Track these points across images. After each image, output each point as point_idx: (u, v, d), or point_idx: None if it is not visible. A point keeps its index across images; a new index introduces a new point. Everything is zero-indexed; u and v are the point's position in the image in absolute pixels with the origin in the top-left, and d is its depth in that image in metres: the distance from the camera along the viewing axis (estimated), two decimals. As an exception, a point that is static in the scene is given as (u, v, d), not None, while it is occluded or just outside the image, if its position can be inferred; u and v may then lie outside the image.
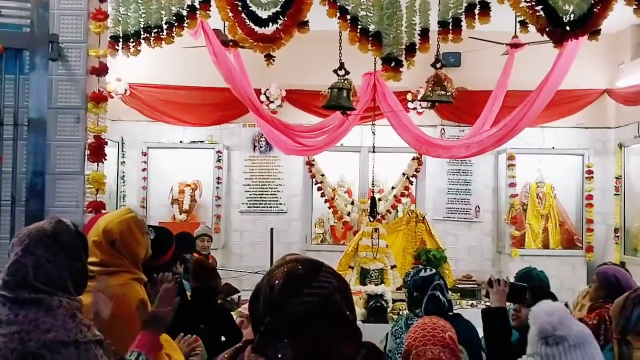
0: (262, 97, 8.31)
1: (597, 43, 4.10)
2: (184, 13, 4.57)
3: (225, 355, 1.52)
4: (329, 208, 8.53)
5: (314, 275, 1.45)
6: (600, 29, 3.86)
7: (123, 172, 8.61)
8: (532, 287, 3.63)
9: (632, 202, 8.10)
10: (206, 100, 8.41)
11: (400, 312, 5.66)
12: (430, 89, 5.51)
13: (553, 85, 5.82)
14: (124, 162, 8.62)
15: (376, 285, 6.25)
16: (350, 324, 1.46)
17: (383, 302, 5.90)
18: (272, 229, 7.51)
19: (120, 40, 4.67)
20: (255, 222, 8.72)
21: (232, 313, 4.55)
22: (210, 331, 3.85)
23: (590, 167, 8.37)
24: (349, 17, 4.27)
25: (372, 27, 4.27)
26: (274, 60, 4.60)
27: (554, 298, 3.47)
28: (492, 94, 6.64)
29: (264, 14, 4.37)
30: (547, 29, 3.84)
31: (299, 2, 4.27)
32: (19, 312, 1.99)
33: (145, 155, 8.55)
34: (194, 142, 8.65)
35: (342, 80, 5.50)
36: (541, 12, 3.81)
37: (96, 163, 4.45)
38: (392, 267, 6.65)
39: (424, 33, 4.29)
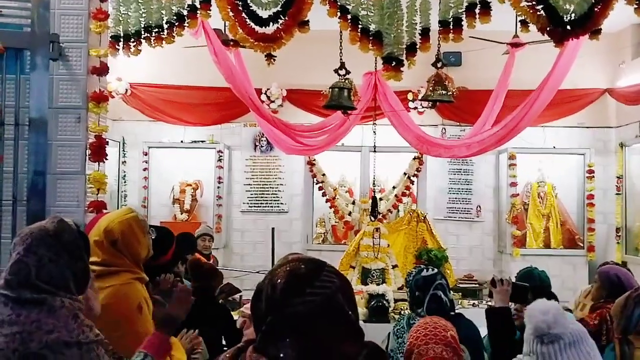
0: (263, 97, 8.33)
1: (597, 42, 4.09)
2: (185, 13, 4.57)
3: (227, 355, 1.52)
4: (330, 208, 8.53)
5: (317, 274, 1.44)
6: (600, 29, 3.85)
7: (124, 172, 8.61)
8: (533, 287, 3.63)
9: (634, 201, 8.10)
10: (207, 100, 8.41)
11: (402, 312, 5.66)
12: (431, 88, 5.51)
13: (554, 84, 5.81)
14: (125, 161, 8.62)
15: (377, 285, 6.24)
16: (352, 323, 1.46)
17: (384, 302, 5.89)
18: (273, 228, 7.52)
19: (121, 39, 4.67)
20: (256, 222, 8.73)
21: (234, 313, 4.55)
22: (212, 330, 3.85)
23: (591, 166, 8.37)
24: (349, 16, 4.26)
25: (372, 27, 4.27)
26: (274, 59, 4.60)
27: (555, 298, 3.46)
28: (493, 94, 6.63)
29: (264, 14, 4.36)
30: (548, 29, 3.83)
31: (300, 1, 4.27)
32: (21, 312, 1.99)
33: (146, 155, 8.55)
34: (195, 141, 8.66)
35: (343, 80, 5.50)
36: (542, 12, 3.80)
37: (97, 163, 4.45)
38: (394, 266, 6.64)
39: (425, 32, 4.28)
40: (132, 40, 4.66)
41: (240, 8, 4.38)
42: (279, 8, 4.30)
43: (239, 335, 4.03)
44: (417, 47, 4.29)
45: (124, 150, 8.62)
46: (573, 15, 3.76)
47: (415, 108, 8.41)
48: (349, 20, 4.27)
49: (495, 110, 6.64)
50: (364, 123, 7.65)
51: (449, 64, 7.02)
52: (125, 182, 8.62)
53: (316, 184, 8.56)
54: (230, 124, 8.68)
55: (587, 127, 8.64)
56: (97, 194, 4.43)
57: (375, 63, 5.81)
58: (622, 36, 8.15)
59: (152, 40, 4.65)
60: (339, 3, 4.25)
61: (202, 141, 8.65)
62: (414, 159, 8.38)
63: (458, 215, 8.73)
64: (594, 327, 3.85)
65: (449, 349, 2.47)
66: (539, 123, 7.68)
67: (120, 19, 4.66)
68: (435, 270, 3.49)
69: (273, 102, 8.48)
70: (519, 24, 4.17)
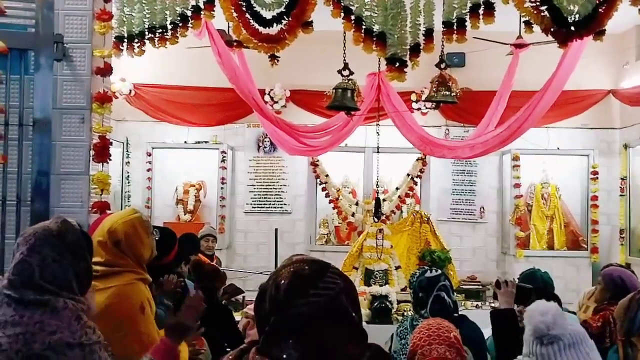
0: (267, 98, 8.33)
1: (601, 43, 4.08)
2: (189, 13, 4.57)
3: (230, 357, 1.52)
4: (334, 208, 8.53)
5: (320, 275, 1.44)
6: (605, 29, 3.84)
7: (128, 173, 8.62)
8: (536, 288, 3.62)
9: (637, 202, 8.08)
10: (210, 101, 8.42)
11: (405, 313, 5.65)
12: (434, 89, 5.50)
13: (558, 85, 5.81)
14: (128, 162, 8.63)
15: (380, 286, 6.24)
16: (355, 325, 1.46)
17: (387, 303, 5.88)
18: (276, 229, 7.52)
19: (125, 40, 4.68)
20: (259, 223, 8.73)
21: (237, 314, 4.55)
22: (214, 331, 3.85)
23: (595, 167, 8.35)
24: (353, 17, 4.26)
25: (376, 28, 4.26)
26: (278, 60, 4.60)
27: (558, 299, 3.45)
28: (496, 95, 6.63)
29: (268, 14, 4.36)
30: (552, 29, 3.82)
31: (303, 2, 4.27)
32: (24, 313, 1.99)
33: (149, 155, 8.57)
34: (198, 142, 8.67)
35: (347, 81, 5.50)
36: (546, 12, 3.79)
37: (101, 163, 4.44)
38: (397, 267, 6.64)
39: (429, 33, 4.28)
40: (136, 40, 4.67)
41: (244, 9, 4.37)
42: (282, 9, 4.29)
43: (240, 336, 4.04)
44: (421, 47, 4.29)
45: (127, 151, 8.63)
46: (577, 16, 3.75)
47: (419, 109, 8.40)
48: (353, 21, 4.26)
49: (499, 111, 6.63)
50: (367, 124, 7.65)
51: (452, 65, 7.02)
52: (128, 182, 8.63)
53: (319, 184, 8.56)
54: (233, 124, 8.69)
55: (591, 128, 8.63)
56: (101, 195, 4.43)
57: (379, 64, 5.79)
58: (626, 37, 8.13)
59: (155, 41, 4.65)
60: (342, 4, 4.25)
61: (205, 142, 8.67)
62: (418, 159, 8.38)
63: (461, 217, 8.72)
64: (597, 329, 3.84)
65: (452, 350, 2.47)
66: (542, 124, 7.68)
67: (124, 19, 4.67)
68: (439, 271, 3.48)
69: (276, 102, 8.49)
70: (522, 24, 4.16)
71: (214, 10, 4.54)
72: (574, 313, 4.54)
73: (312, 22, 4.34)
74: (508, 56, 6.61)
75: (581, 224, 8.60)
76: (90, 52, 4.42)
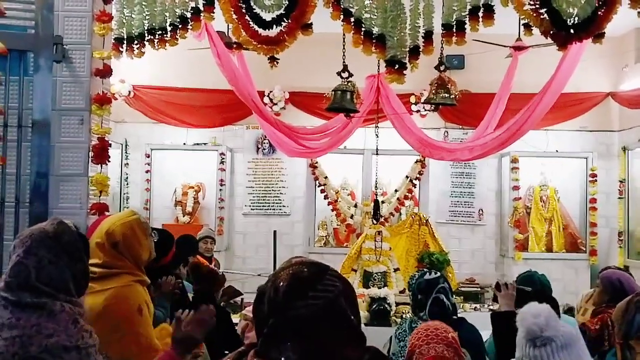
0: (266, 99, 8.33)
1: (601, 46, 4.08)
2: (188, 15, 4.57)
3: (228, 359, 1.52)
4: (332, 210, 8.52)
5: (319, 278, 1.44)
6: (604, 32, 3.84)
7: (126, 174, 8.62)
8: (534, 291, 3.62)
9: (636, 205, 8.08)
10: (209, 102, 8.41)
11: (404, 315, 5.65)
12: (433, 91, 5.50)
13: (557, 88, 5.80)
14: (127, 164, 8.63)
15: (379, 288, 6.24)
16: (354, 328, 1.45)
17: (386, 305, 5.88)
18: (275, 231, 7.51)
19: (125, 42, 4.68)
20: (258, 225, 8.72)
21: (236, 316, 4.54)
22: (212, 334, 3.84)
23: (594, 170, 8.36)
24: (352, 19, 4.26)
25: (375, 30, 4.27)
26: (277, 62, 4.60)
27: (555, 302, 3.45)
28: (495, 97, 6.62)
29: (267, 16, 4.36)
30: (551, 32, 3.82)
31: (303, 4, 4.27)
32: (21, 316, 1.99)
33: (148, 157, 8.55)
34: (197, 144, 8.66)
35: (346, 83, 5.49)
36: (545, 15, 3.80)
37: (100, 165, 4.44)
38: (395, 270, 6.63)
39: (428, 35, 4.28)
40: (136, 42, 4.67)
41: (243, 11, 4.37)
42: (282, 11, 4.29)
43: (239, 338, 4.03)
44: (420, 50, 4.29)
45: (126, 153, 8.62)
46: (576, 18, 3.75)
47: (418, 111, 8.40)
48: (352, 23, 4.27)
49: (498, 114, 6.62)
50: (366, 126, 7.62)
51: (451, 67, 7.00)
52: (127, 184, 8.62)
53: (318, 186, 8.55)
54: (232, 126, 8.69)
55: (590, 131, 8.63)
56: (100, 196, 4.42)
57: (378, 66, 5.80)
58: (625, 40, 8.14)
59: (155, 43, 4.65)
60: (342, 6, 4.25)
61: (204, 143, 8.66)
62: (417, 162, 8.37)
63: (460, 219, 8.72)
64: (596, 332, 3.84)
65: (450, 349, 2.47)
66: (541, 126, 7.69)
67: (124, 21, 4.67)
68: (438, 273, 3.49)
69: (276, 104, 8.49)
70: (522, 27, 4.17)
71: (213, 12, 4.54)
72: (573, 315, 4.55)
73: (311, 24, 4.34)
74: (507, 59, 6.60)
75: (580, 226, 8.60)
76: (89, 53, 4.42)
